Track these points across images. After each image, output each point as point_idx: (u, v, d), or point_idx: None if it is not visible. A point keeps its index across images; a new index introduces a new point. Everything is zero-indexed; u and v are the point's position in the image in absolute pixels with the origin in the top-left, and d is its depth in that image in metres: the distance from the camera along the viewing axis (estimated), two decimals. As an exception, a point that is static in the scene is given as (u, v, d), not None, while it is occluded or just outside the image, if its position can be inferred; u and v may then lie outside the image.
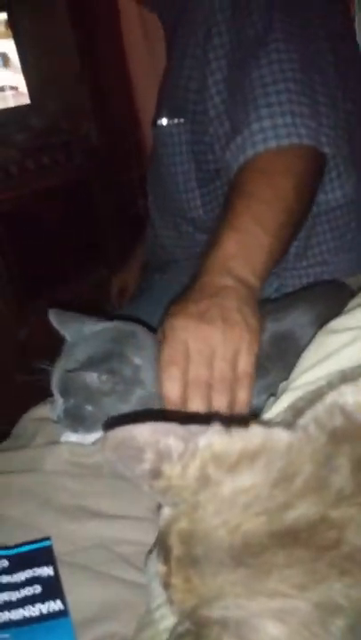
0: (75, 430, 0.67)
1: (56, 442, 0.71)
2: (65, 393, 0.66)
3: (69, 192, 2.05)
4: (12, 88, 2.16)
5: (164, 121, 0.97)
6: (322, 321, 0.56)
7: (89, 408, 0.64)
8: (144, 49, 2.14)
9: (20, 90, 2.16)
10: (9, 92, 2.14)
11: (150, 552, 0.52)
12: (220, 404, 0.61)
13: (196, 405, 0.61)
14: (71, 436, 0.70)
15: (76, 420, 0.66)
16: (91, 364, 0.64)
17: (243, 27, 0.83)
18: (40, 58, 2.12)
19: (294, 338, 0.67)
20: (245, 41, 0.83)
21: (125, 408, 0.64)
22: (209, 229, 0.98)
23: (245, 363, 0.62)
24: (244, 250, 0.68)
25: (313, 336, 0.54)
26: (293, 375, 0.52)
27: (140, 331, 0.69)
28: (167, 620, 0.42)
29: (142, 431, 0.34)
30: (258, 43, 0.81)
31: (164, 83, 1.03)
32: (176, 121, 0.95)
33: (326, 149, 0.78)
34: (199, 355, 0.61)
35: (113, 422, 0.66)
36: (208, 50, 0.87)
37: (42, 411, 0.79)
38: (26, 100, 2.16)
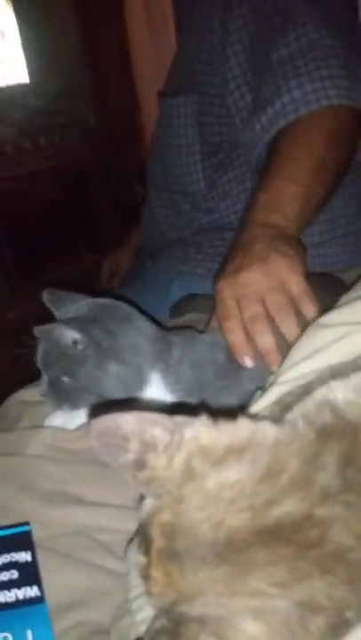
0: (59, 406, 0.66)
1: (40, 426, 0.70)
2: (46, 366, 0.65)
3: (65, 174, 2.02)
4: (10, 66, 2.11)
5: (170, 93, 0.98)
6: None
7: (66, 379, 0.64)
8: (147, 35, 2.12)
9: (17, 68, 2.12)
10: (7, 70, 2.10)
11: (131, 540, 0.51)
12: (289, 328, 0.61)
13: (264, 339, 0.62)
14: (55, 420, 0.69)
15: (58, 394, 0.65)
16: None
17: None
18: (41, 37, 2.08)
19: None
20: (268, 12, 0.84)
21: (103, 378, 0.63)
22: (206, 204, 0.98)
23: (295, 284, 0.63)
24: (271, 203, 0.70)
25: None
26: (282, 369, 0.51)
27: (123, 305, 0.69)
28: (144, 610, 0.41)
29: (128, 420, 0.34)
30: (283, 16, 0.82)
31: (174, 61, 1.03)
32: (182, 94, 0.95)
33: None
34: (246, 298, 0.63)
35: (98, 410, 0.65)
36: (227, 21, 0.87)
37: (27, 394, 0.78)
38: (25, 79, 2.12)
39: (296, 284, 0.63)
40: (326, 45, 0.80)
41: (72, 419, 0.68)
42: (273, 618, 0.27)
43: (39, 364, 0.66)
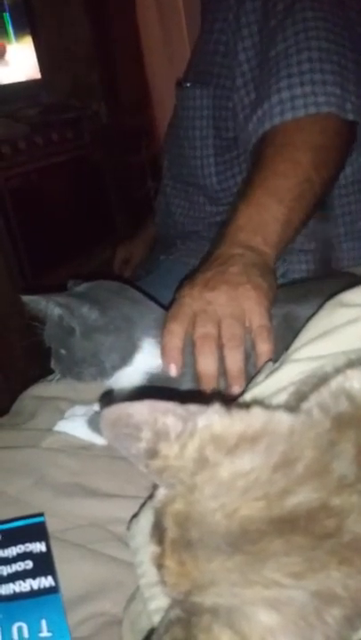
0: (65, 377, 0.68)
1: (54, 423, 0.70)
2: (49, 339, 0.67)
3: (78, 170, 2.02)
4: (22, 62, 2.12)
5: (189, 83, 0.97)
6: None
7: (63, 352, 0.65)
8: (159, 30, 2.11)
9: (29, 64, 2.12)
10: (19, 66, 2.10)
11: (135, 516, 0.51)
12: (233, 360, 0.60)
13: (206, 360, 0.60)
14: (64, 425, 0.70)
15: (61, 366, 0.67)
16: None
17: None
18: (52, 33, 2.08)
19: (298, 325, 0.66)
20: (275, 8, 0.81)
21: (95, 349, 0.63)
22: (220, 200, 0.97)
23: (257, 317, 0.62)
24: (255, 222, 0.68)
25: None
26: (296, 344, 0.50)
27: (118, 282, 0.70)
28: (158, 600, 0.41)
29: (140, 409, 0.33)
30: (286, 11, 0.80)
31: (195, 46, 1.02)
32: (200, 85, 0.94)
33: (351, 116, 0.76)
34: (205, 314, 0.61)
35: (110, 399, 0.66)
36: (240, 14, 0.86)
37: (41, 389, 0.79)
38: (36, 75, 2.12)
39: (259, 317, 0.62)
40: (323, 48, 0.77)
41: (78, 423, 0.69)
42: (288, 608, 0.27)
43: (45, 337, 0.68)
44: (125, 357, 0.64)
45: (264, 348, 0.61)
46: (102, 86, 2.14)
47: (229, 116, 0.92)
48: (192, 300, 0.63)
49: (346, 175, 0.89)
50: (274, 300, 0.64)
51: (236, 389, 0.60)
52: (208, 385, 0.60)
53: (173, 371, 0.61)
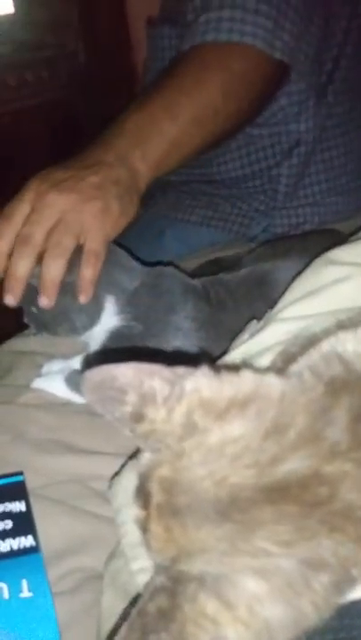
0: (40, 333, 0.66)
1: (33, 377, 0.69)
2: (22, 300, 0.64)
3: (53, 113, 1.93)
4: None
5: (158, 23, 0.92)
6: None
7: (34, 310, 0.63)
8: None
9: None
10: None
11: (116, 475, 0.51)
12: (48, 269, 0.57)
13: (18, 264, 0.57)
14: (41, 384, 0.68)
15: (34, 323, 0.65)
16: None
17: None
18: None
19: (276, 286, 0.64)
20: None
21: (65, 309, 0.62)
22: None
23: (91, 240, 0.58)
24: (139, 131, 0.63)
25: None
26: (282, 303, 0.49)
27: None
28: (141, 560, 0.41)
29: (125, 371, 0.32)
30: None
31: None
32: (169, 24, 0.89)
33: (278, 55, 0.70)
34: (37, 214, 0.57)
35: (93, 361, 0.64)
36: None
37: (19, 343, 0.77)
38: (9, 10, 1.99)
39: (93, 240, 0.58)
40: None
41: (56, 381, 0.68)
42: (276, 576, 0.27)
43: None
44: (94, 317, 0.62)
45: (87, 273, 0.58)
46: (80, 24, 2.02)
47: None
48: (34, 197, 0.58)
49: (308, 128, 0.85)
50: (121, 231, 0.61)
51: (43, 301, 0.58)
52: (11, 290, 0.57)
53: None
